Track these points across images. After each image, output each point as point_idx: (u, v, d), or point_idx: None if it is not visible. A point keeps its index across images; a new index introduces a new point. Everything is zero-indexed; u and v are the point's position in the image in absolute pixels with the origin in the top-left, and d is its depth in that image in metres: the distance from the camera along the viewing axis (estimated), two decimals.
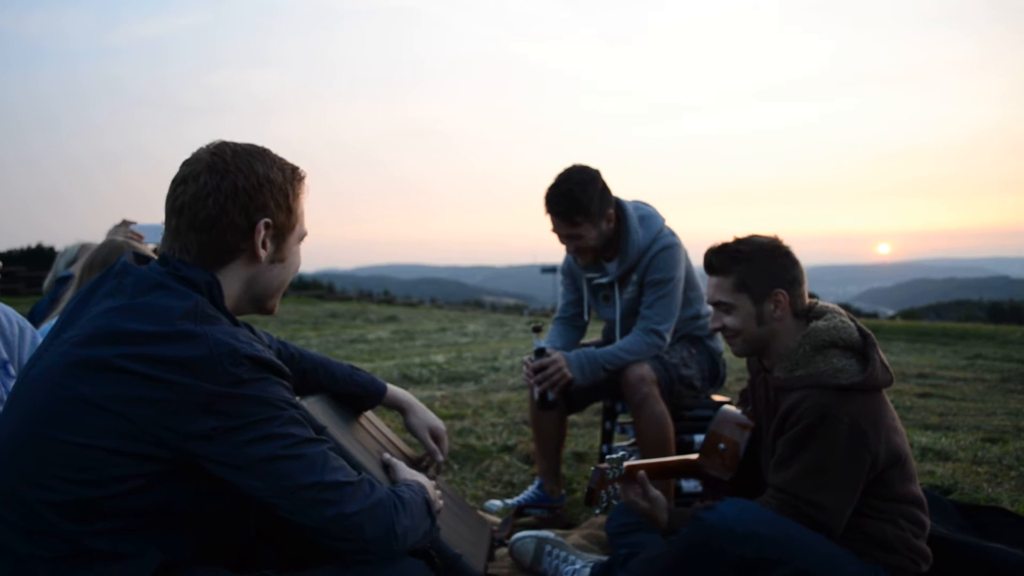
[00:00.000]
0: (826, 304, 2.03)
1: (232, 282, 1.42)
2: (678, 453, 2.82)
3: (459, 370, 7.05)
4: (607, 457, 2.03)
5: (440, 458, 2.03)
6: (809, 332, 1.94)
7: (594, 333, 3.42)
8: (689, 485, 2.92)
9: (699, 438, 2.92)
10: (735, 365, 5.98)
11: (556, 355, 2.85)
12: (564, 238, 2.94)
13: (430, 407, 4.22)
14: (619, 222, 2.97)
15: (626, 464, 2.04)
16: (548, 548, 2.31)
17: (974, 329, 12.74)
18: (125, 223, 3.21)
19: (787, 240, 2.03)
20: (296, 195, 1.47)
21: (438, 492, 1.64)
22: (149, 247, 2.95)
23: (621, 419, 3.31)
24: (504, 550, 2.47)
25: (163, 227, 1.44)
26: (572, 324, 3.24)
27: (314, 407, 1.74)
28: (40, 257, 26.00)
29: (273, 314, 1.55)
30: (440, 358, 8.11)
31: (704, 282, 2.24)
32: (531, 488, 3.14)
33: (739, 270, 1.99)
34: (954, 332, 12.08)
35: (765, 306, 1.98)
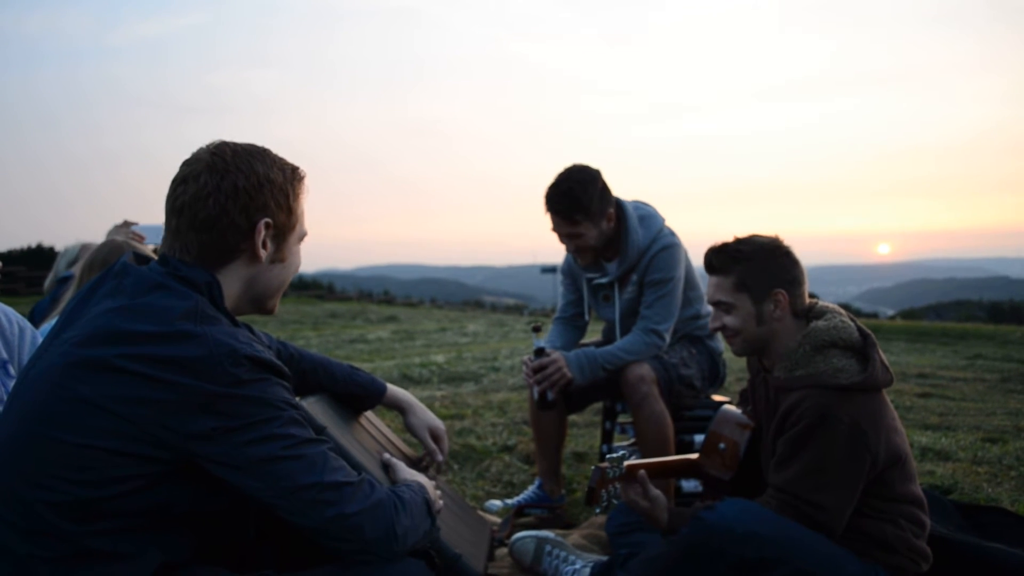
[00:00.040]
0: (826, 304, 2.03)
1: (232, 282, 1.42)
2: (678, 453, 2.82)
3: (459, 370, 7.05)
4: (607, 456, 2.03)
5: (440, 458, 2.03)
6: (809, 332, 1.94)
7: (594, 333, 3.42)
8: (689, 485, 2.92)
9: (699, 438, 2.92)
10: (735, 365, 5.98)
11: (556, 355, 2.86)
12: (564, 237, 2.94)
13: (430, 407, 4.22)
14: (619, 222, 2.97)
15: (626, 463, 2.05)
16: (548, 548, 2.31)
17: (974, 329, 12.74)
18: (126, 224, 3.22)
19: (787, 240, 2.03)
20: (296, 195, 1.47)
21: (438, 492, 1.64)
22: (150, 248, 2.95)
23: (621, 419, 3.31)
24: (504, 550, 2.47)
25: (164, 228, 1.45)
26: (572, 324, 3.24)
27: (314, 407, 1.74)
28: (40, 257, 26.00)
29: (273, 314, 1.55)
30: (440, 358, 8.11)
31: (704, 282, 2.24)
32: (531, 488, 3.14)
33: (739, 270, 1.99)
34: (954, 332, 12.08)
35: (765, 306, 1.98)
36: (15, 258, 26.05)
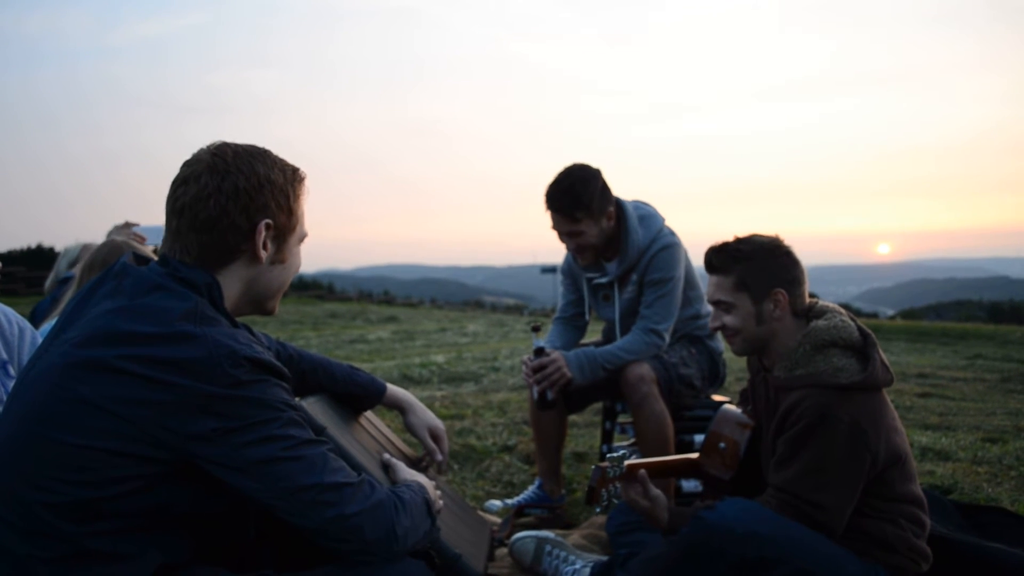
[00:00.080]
0: (826, 304, 2.03)
1: (232, 283, 1.42)
2: (678, 453, 2.82)
3: (459, 370, 7.05)
4: (608, 456, 2.03)
5: (440, 458, 2.03)
6: (809, 331, 1.94)
7: (594, 333, 3.42)
8: (689, 485, 2.92)
9: (699, 438, 2.92)
10: (735, 365, 5.98)
11: (555, 354, 2.86)
12: (565, 235, 2.94)
13: (430, 407, 4.23)
14: (619, 222, 2.97)
15: (627, 463, 2.05)
16: (548, 548, 2.31)
17: (974, 329, 12.74)
18: (128, 225, 3.22)
19: (787, 240, 2.03)
20: (297, 196, 1.47)
21: (438, 492, 1.64)
22: (150, 249, 2.96)
23: (621, 419, 3.31)
24: (504, 550, 2.47)
25: (164, 228, 1.44)
26: (572, 324, 3.24)
27: (314, 407, 1.74)
28: (40, 257, 25.99)
29: (273, 315, 1.55)
30: (440, 358, 8.11)
31: (704, 282, 2.24)
32: (531, 488, 3.14)
33: (739, 269, 1.99)
34: (954, 332, 12.07)
35: (765, 305, 1.98)
36: (15, 258, 26.04)
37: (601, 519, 2.68)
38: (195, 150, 1.44)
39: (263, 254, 1.42)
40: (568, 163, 2.94)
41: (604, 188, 2.90)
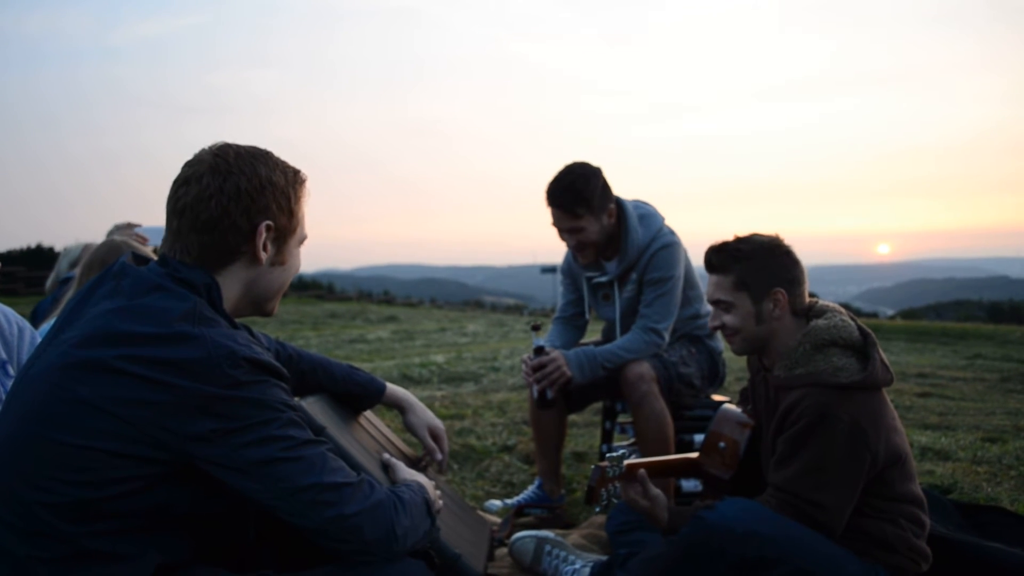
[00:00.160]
0: (826, 303, 2.03)
1: (232, 284, 1.42)
2: (678, 452, 2.82)
3: (459, 370, 7.05)
4: (607, 455, 2.03)
5: (439, 457, 2.03)
6: (809, 331, 1.94)
7: (593, 333, 3.42)
8: (689, 484, 2.92)
9: (699, 437, 2.93)
10: (735, 364, 5.98)
11: (555, 353, 2.86)
12: (565, 232, 2.94)
13: (430, 407, 4.23)
14: (619, 221, 2.98)
15: (626, 462, 2.05)
16: (548, 548, 2.31)
17: (974, 329, 12.74)
18: (130, 225, 3.22)
19: (787, 240, 2.03)
20: (298, 198, 1.48)
21: (437, 492, 1.64)
22: (150, 250, 2.96)
23: (621, 419, 3.31)
24: (504, 550, 2.47)
25: (165, 228, 1.44)
26: (572, 324, 3.24)
27: (313, 407, 1.74)
28: (40, 257, 25.97)
29: (272, 316, 1.56)
30: (440, 358, 8.11)
31: (704, 282, 2.24)
32: (531, 488, 3.14)
33: (739, 269, 1.99)
34: (954, 332, 12.08)
35: (764, 305, 1.98)
36: (15, 258, 26.03)
37: (601, 519, 2.68)
38: (195, 150, 1.44)
39: (263, 255, 1.43)
40: (568, 162, 2.95)
41: (605, 185, 2.91)
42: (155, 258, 1.43)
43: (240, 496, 1.32)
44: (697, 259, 2.87)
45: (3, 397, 1.83)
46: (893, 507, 1.89)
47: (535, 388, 2.87)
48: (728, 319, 2.01)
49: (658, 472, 2.17)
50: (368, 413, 2.05)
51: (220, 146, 1.43)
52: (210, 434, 1.25)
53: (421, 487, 1.56)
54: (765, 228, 2.08)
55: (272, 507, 1.31)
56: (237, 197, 1.37)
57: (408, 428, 2.06)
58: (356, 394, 1.95)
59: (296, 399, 1.40)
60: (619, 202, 2.99)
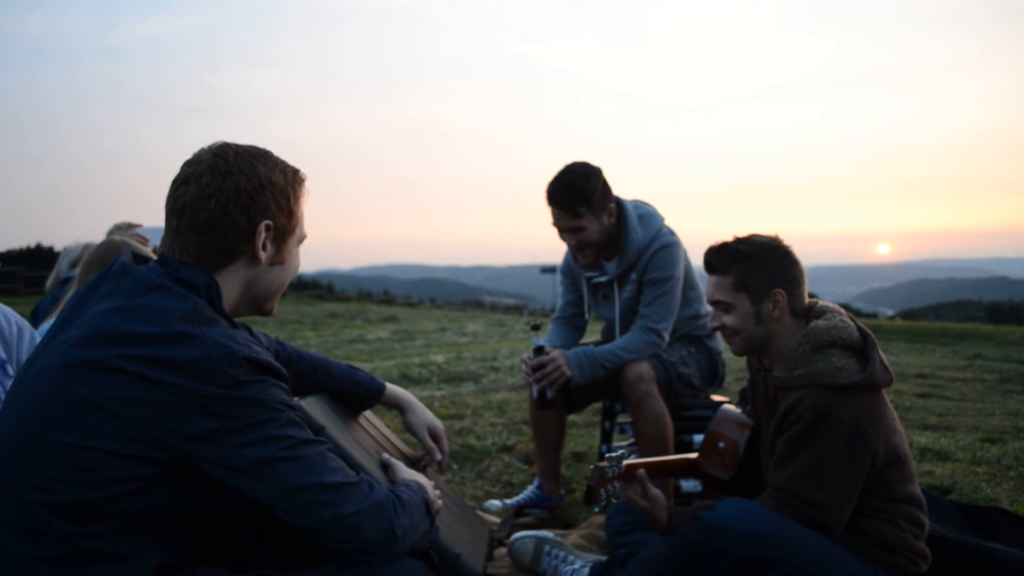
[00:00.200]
0: (826, 304, 2.03)
1: (231, 284, 1.42)
2: (677, 452, 2.82)
3: (459, 370, 7.05)
4: (606, 455, 2.03)
5: (439, 457, 2.03)
6: (809, 331, 1.94)
7: (593, 333, 3.42)
8: (689, 484, 2.92)
9: (698, 438, 2.93)
10: (735, 365, 5.98)
11: (555, 353, 2.86)
12: (566, 232, 2.94)
13: (430, 407, 4.23)
14: (618, 221, 2.98)
15: (625, 463, 2.05)
16: (547, 548, 2.31)
17: (973, 329, 12.74)
18: (131, 226, 3.22)
19: (787, 240, 2.03)
20: (297, 197, 1.48)
21: (437, 492, 1.64)
22: (150, 250, 2.96)
23: (620, 419, 3.31)
24: (503, 550, 2.47)
25: (164, 228, 1.44)
26: (572, 324, 3.24)
27: (313, 407, 1.74)
28: (40, 257, 25.96)
29: (271, 315, 1.56)
30: (440, 358, 8.11)
31: (704, 282, 2.25)
32: (530, 488, 3.14)
33: (738, 269, 1.99)
34: (953, 332, 12.08)
35: (764, 305, 1.98)
36: (14, 258, 26.02)
37: (600, 519, 2.68)
38: (195, 150, 1.44)
39: (262, 255, 1.43)
40: (568, 162, 2.95)
41: (605, 185, 2.91)
42: (155, 258, 1.43)
43: (240, 496, 1.32)
44: (697, 259, 2.88)
45: (2, 397, 1.83)
46: (892, 508, 1.89)
47: (535, 388, 2.87)
48: (728, 320, 2.01)
49: (657, 472, 2.17)
50: (368, 413, 2.05)
51: (219, 145, 1.43)
52: (210, 434, 1.25)
53: (420, 487, 1.56)
54: (765, 228, 2.08)
55: (271, 507, 1.31)
56: (236, 196, 1.37)
57: (407, 428, 2.06)
58: (356, 394, 1.95)
59: (296, 399, 1.40)
60: (619, 202, 2.99)
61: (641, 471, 2.04)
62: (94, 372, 1.25)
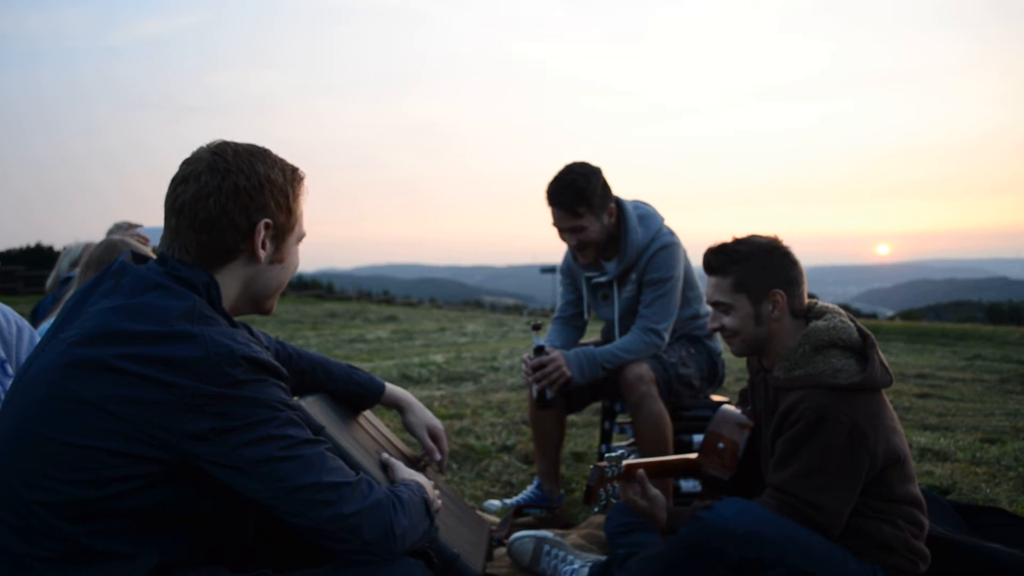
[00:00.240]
0: (825, 304, 2.03)
1: (231, 282, 1.42)
2: (677, 453, 2.82)
3: (458, 370, 7.05)
4: (606, 455, 2.03)
5: (438, 457, 2.03)
6: (809, 332, 1.94)
7: (593, 333, 3.42)
8: (688, 485, 2.92)
9: (698, 438, 2.93)
10: (734, 365, 5.98)
11: (555, 353, 2.86)
12: (566, 232, 2.94)
13: (429, 407, 4.23)
14: (618, 221, 2.98)
15: (625, 463, 2.05)
16: (547, 548, 2.31)
17: (973, 330, 12.74)
18: (131, 226, 3.22)
19: (787, 240, 2.03)
20: (296, 196, 1.48)
21: (436, 492, 1.64)
22: (150, 250, 2.96)
23: (620, 419, 3.31)
24: (503, 550, 2.47)
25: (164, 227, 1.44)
26: (571, 324, 3.24)
27: (312, 407, 1.74)
28: (39, 256, 25.95)
29: (271, 314, 1.55)
30: (439, 358, 8.10)
31: (703, 282, 2.25)
32: (530, 488, 3.14)
33: (737, 270, 1.99)
34: (953, 333, 12.08)
35: (763, 306, 1.98)
36: (14, 257, 26.00)
37: (600, 519, 2.68)
38: (195, 149, 1.44)
39: (262, 253, 1.43)
40: (568, 162, 2.95)
41: (605, 185, 2.91)
42: (154, 257, 1.43)
43: (239, 495, 1.32)
44: (697, 260, 2.88)
45: (2, 396, 1.82)
46: (892, 508, 1.89)
47: (535, 388, 2.87)
48: (727, 321, 2.01)
49: (657, 472, 2.17)
50: (367, 413, 2.05)
51: (218, 144, 1.43)
52: (209, 433, 1.25)
53: (420, 487, 1.56)
54: (764, 229, 2.08)
55: (271, 506, 1.31)
56: (235, 195, 1.37)
57: (407, 428, 2.05)
58: (355, 394, 1.95)
59: (295, 398, 1.39)
60: (619, 202, 2.99)
61: (640, 471, 2.04)
62: (94, 371, 1.25)
